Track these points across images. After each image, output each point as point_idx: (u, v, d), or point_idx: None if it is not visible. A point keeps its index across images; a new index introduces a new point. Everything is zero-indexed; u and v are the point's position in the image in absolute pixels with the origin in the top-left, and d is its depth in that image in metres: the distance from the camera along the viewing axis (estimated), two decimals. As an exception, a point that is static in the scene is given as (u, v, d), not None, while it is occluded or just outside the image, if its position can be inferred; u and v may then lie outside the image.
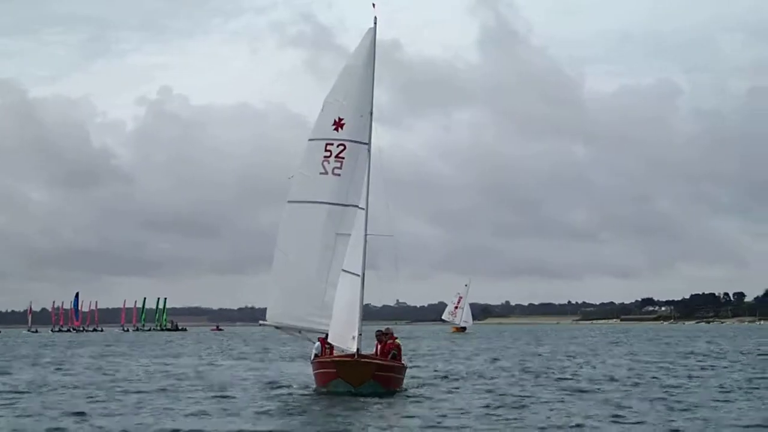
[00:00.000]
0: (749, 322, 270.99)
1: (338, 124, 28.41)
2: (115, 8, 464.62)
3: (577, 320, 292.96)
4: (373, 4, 28.12)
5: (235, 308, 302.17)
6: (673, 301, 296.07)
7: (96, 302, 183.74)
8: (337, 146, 28.37)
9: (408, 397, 26.35)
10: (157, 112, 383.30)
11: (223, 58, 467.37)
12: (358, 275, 26.70)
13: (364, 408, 23.09)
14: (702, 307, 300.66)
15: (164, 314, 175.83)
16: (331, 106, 28.55)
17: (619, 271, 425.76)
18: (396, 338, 28.21)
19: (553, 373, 36.01)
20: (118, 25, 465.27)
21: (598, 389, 28.52)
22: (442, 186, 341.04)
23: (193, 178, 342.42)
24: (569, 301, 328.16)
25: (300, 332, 29.45)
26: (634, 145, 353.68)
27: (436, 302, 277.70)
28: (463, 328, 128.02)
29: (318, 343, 28.25)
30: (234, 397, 26.47)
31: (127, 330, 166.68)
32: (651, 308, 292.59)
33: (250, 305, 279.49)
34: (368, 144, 28.19)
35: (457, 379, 33.04)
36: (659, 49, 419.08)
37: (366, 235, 27.21)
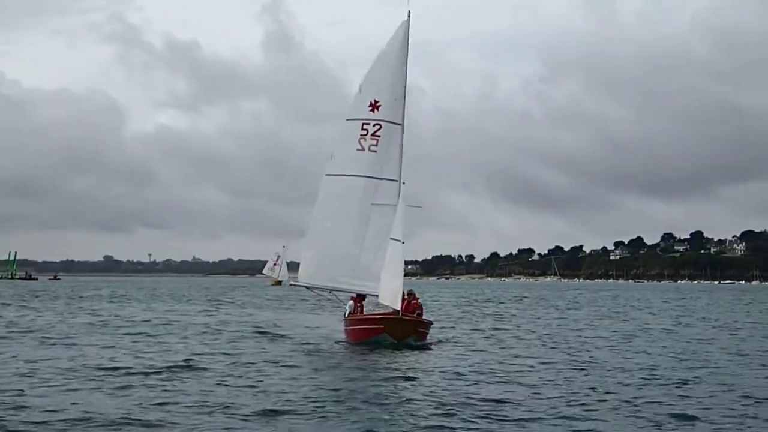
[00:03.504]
0: (478, 278, 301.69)
1: (374, 106, 31.07)
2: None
3: None
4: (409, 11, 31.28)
5: (58, 260, 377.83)
6: (418, 261, 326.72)
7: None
8: (374, 126, 31.02)
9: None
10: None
11: (50, 50, 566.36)
12: (402, 242, 29.62)
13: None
14: (441, 266, 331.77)
15: (14, 266, 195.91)
16: (367, 90, 31.10)
17: None
18: (418, 298, 31.31)
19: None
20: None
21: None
22: (228, 161, 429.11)
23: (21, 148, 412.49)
24: None
25: (330, 292, 32.01)
26: None
27: (226, 258, 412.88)
28: (280, 282, 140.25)
29: (351, 302, 30.92)
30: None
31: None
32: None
33: (70, 258, 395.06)
34: (401, 124, 31.13)
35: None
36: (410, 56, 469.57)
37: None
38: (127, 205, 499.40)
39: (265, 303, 68.47)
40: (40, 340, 30.84)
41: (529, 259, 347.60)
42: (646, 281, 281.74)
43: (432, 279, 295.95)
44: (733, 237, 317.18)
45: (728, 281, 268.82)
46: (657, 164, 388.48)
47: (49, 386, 18.82)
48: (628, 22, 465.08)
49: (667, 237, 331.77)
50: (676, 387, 19.85)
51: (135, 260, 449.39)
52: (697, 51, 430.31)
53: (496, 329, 39.09)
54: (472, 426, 14.83)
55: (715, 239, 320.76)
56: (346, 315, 30.94)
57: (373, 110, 31.04)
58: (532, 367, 23.77)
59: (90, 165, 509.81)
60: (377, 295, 30.05)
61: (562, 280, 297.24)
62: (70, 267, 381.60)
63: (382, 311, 30.41)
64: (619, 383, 20.36)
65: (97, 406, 16.15)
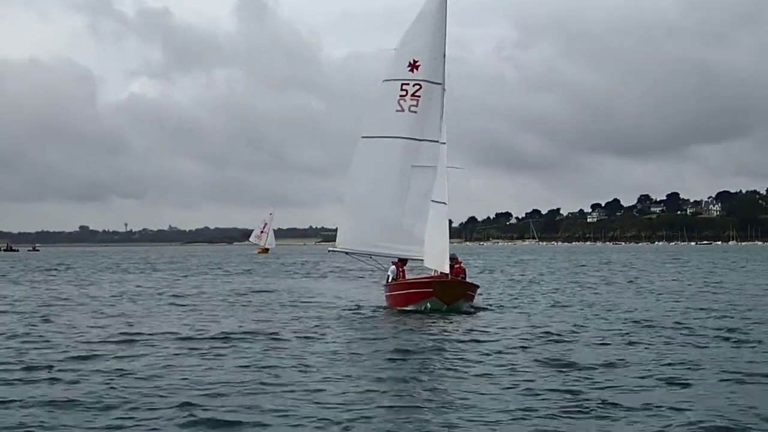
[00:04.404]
0: (456, 242, 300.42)
1: (413, 66, 30.17)
2: None
3: (319, 242, 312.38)
4: None
5: (33, 231, 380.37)
6: None
7: None
8: (413, 86, 30.15)
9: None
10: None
11: (20, 20, 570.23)
12: (445, 203, 28.94)
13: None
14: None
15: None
16: (406, 50, 30.25)
17: None
18: (461, 262, 30.72)
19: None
20: None
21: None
22: (203, 130, 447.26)
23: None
24: (311, 226, 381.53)
25: (371, 257, 31.29)
26: (360, 100, 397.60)
27: (202, 227, 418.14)
28: (267, 249, 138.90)
29: (393, 267, 30.19)
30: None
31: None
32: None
33: (45, 229, 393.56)
34: (442, 84, 30.29)
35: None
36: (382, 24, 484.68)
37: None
38: (101, 175, 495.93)
39: (283, 272, 66.82)
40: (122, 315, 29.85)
41: (507, 223, 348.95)
42: (623, 243, 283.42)
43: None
44: (708, 198, 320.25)
45: (705, 242, 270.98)
46: (633, 126, 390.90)
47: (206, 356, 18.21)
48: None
49: (644, 199, 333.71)
50: None
51: (111, 230, 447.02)
52: (668, 10, 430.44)
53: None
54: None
55: (691, 200, 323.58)
56: (389, 280, 30.21)
57: (412, 70, 30.19)
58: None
59: (63, 135, 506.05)
60: (421, 260, 29.45)
61: (540, 243, 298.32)
62: (46, 238, 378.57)
63: (425, 275, 29.79)
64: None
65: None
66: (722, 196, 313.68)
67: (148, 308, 31.24)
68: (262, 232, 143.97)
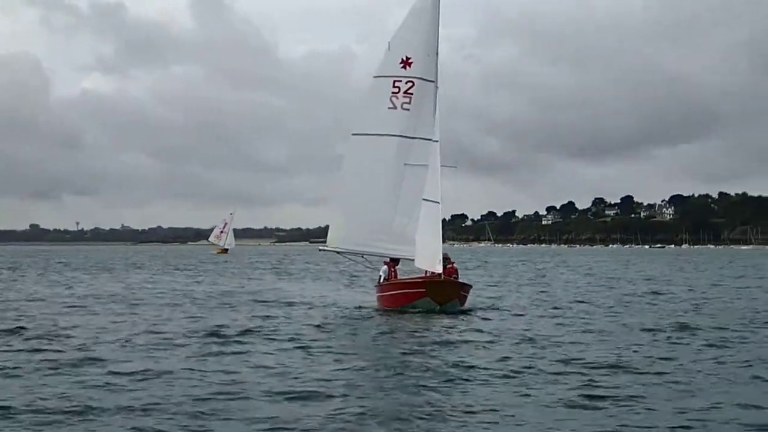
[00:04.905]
0: None
1: (406, 62, 29.72)
2: None
3: (273, 242, 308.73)
4: None
5: None
6: None
7: None
8: (406, 83, 29.70)
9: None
10: None
11: None
12: (438, 202, 28.51)
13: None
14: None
15: None
16: (398, 46, 29.77)
17: (307, 201, 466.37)
18: (453, 263, 30.25)
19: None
20: None
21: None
22: (157, 126, 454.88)
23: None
24: (265, 227, 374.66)
25: (363, 257, 30.75)
26: (320, 97, 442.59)
27: (155, 226, 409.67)
28: (226, 250, 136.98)
29: (385, 267, 29.69)
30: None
31: None
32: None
33: None
34: (435, 81, 29.85)
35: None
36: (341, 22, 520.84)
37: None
38: (53, 171, 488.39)
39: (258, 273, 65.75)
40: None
41: (463, 225, 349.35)
42: (578, 246, 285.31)
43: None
44: (662, 201, 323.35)
45: (658, 245, 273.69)
46: (588, 128, 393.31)
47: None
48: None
49: (598, 202, 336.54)
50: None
51: (62, 228, 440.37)
52: (630, 12, 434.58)
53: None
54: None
55: (645, 203, 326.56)
56: (381, 280, 29.72)
57: (405, 67, 29.77)
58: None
59: (14, 131, 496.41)
60: (413, 259, 28.99)
61: (496, 245, 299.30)
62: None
63: (417, 275, 29.33)
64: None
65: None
66: (675, 200, 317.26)
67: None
68: (221, 232, 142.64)
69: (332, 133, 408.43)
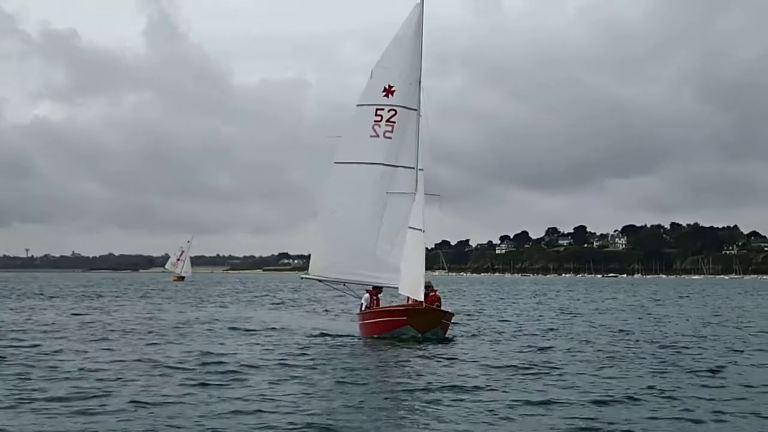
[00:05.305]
0: None
1: (388, 91, 29.77)
2: None
3: (226, 270, 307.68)
4: None
5: None
6: (303, 255, 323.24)
7: None
8: (388, 111, 29.75)
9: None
10: None
11: None
12: (423, 230, 28.52)
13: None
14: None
15: None
16: (380, 75, 29.84)
17: (258, 229, 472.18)
18: (436, 290, 30.22)
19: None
20: None
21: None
22: (109, 154, 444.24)
23: None
24: (218, 254, 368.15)
25: (345, 285, 30.62)
26: (271, 125, 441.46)
27: (107, 253, 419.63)
28: (182, 277, 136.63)
29: (367, 295, 29.57)
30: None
31: None
32: (287, 261, 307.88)
33: None
34: (418, 110, 29.91)
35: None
36: (296, 50, 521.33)
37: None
38: (2, 199, 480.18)
39: (233, 300, 65.23)
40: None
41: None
42: (531, 275, 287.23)
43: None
44: (614, 231, 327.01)
45: (611, 275, 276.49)
46: (541, 158, 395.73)
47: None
48: (512, 15, 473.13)
49: (552, 231, 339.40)
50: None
51: (12, 255, 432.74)
52: (580, 45, 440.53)
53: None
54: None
55: (598, 233, 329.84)
56: (362, 308, 29.60)
57: (387, 95, 29.83)
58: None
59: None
60: (396, 287, 28.93)
61: (450, 274, 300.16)
62: None
63: (399, 303, 29.29)
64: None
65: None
66: (628, 230, 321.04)
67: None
68: (178, 259, 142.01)
69: (283, 160, 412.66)
